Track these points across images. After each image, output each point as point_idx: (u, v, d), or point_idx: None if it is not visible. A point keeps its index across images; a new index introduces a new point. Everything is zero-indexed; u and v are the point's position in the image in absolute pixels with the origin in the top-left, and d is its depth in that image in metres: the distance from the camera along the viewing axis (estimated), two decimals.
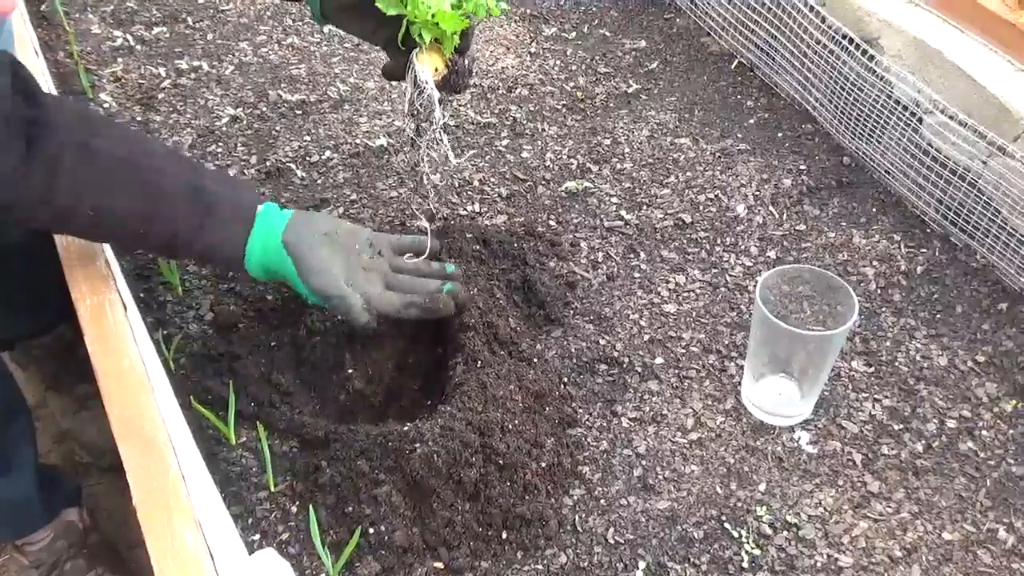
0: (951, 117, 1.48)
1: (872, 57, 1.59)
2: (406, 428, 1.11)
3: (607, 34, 2.03)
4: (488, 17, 1.19)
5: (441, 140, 1.22)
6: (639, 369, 1.32)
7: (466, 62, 1.20)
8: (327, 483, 1.12)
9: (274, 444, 1.19)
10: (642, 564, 1.09)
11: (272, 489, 1.14)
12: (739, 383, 1.30)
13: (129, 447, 0.97)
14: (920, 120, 1.54)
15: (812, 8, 1.68)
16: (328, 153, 1.68)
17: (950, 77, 1.50)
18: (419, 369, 1.33)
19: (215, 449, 1.18)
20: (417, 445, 1.09)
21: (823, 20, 1.68)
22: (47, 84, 1.57)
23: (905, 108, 1.55)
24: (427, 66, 1.16)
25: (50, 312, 1.52)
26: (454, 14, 1.12)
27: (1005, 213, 1.43)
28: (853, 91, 1.63)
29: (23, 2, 1.94)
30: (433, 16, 1.11)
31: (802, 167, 1.67)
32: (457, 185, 1.61)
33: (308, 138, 1.72)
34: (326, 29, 2.01)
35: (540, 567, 1.08)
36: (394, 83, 1.60)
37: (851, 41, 1.62)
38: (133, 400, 1.03)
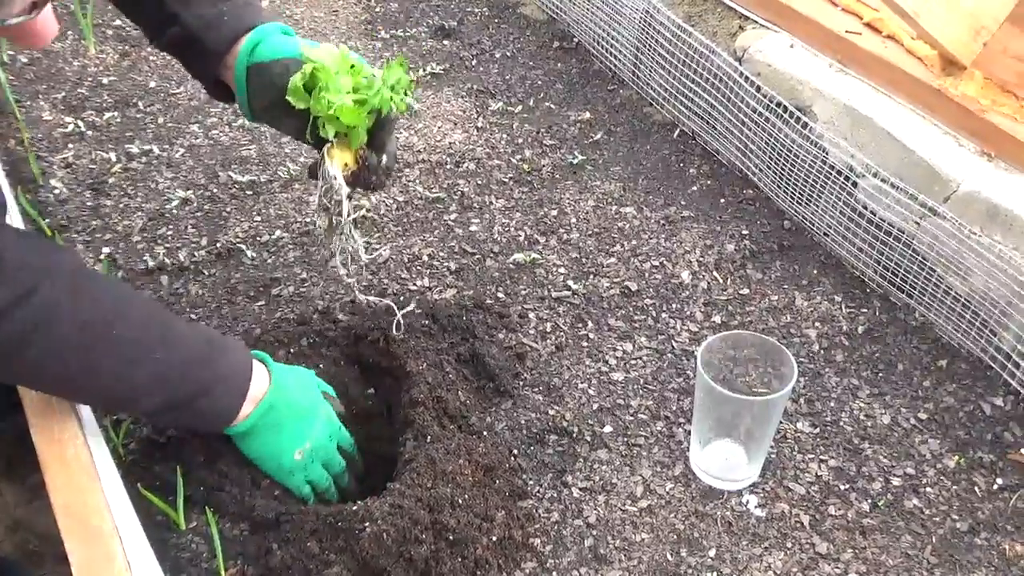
0: (884, 180, 1.53)
1: (806, 124, 1.64)
2: (355, 507, 1.12)
3: (552, 107, 2.07)
4: (399, 114, 1.19)
5: (352, 236, 1.23)
6: (588, 438, 1.33)
7: (383, 159, 1.20)
8: (278, 565, 1.12)
9: (224, 527, 1.18)
10: None
11: (222, 574, 1.13)
12: (687, 449, 1.32)
13: (74, 539, 0.97)
14: (855, 184, 1.58)
15: (747, 78, 1.74)
16: (279, 232, 1.69)
17: (881, 142, 1.55)
18: (370, 445, 1.33)
19: (165, 535, 1.18)
20: (367, 524, 1.09)
21: (759, 89, 1.73)
22: None
23: (840, 172, 1.60)
24: (336, 160, 1.16)
25: (2, 400, 1.51)
26: (354, 108, 1.12)
27: (940, 272, 1.48)
28: (790, 157, 1.68)
29: None
30: (333, 111, 1.11)
31: (744, 232, 1.71)
32: (406, 260, 1.63)
33: (259, 218, 1.73)
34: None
35: None
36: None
37: (785, 109, 1.67)
38: (78, 490, 1.03)
